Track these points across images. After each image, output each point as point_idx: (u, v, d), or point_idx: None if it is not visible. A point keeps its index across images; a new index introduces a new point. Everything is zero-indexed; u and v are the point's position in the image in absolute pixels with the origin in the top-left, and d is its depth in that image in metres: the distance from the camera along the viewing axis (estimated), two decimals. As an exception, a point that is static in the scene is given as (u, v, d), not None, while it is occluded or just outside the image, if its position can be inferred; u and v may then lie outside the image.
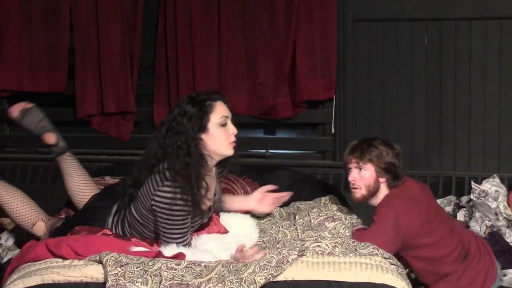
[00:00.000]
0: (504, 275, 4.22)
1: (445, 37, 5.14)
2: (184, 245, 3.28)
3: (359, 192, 3.58)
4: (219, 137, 3.25)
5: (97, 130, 5.51)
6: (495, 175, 5.01)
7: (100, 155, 5.58)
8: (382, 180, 3.57)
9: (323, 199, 4.04)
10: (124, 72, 5.40)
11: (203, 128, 3.23)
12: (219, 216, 3.60)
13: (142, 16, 5.40)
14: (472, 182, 4.99)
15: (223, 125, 3.26)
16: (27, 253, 3.27)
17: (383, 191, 3.60)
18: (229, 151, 3.29)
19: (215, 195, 3.48)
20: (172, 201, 3.22)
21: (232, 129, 3.27)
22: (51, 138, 3.85)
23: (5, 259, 4.59)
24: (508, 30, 5.05)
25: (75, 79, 5.46)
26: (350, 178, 3.59)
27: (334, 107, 5.29)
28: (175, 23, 5.30)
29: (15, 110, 3.88)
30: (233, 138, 3.28)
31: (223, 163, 3.43)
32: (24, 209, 3.69)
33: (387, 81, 5.24)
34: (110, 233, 3.42)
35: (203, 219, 3.43)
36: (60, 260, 3.15)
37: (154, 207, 3.24)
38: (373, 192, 3.58)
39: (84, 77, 5.42)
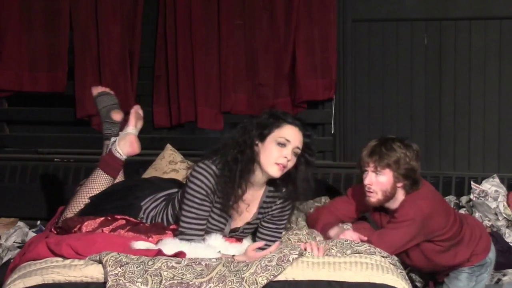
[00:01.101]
0: (504, 275, 4.23)
1: (445, 37, 5.14)
2: (196, 235, 3.28)
3: (375, 196, 3.48)
4: (270, 152, 3.24)
5: (97, 130, 5.50)
6: (495, 175, 5.01)
7: (100, 155, 5.57)
8: (399, 185, 3.48)
9: (323, 199, 4.07)
10: (124, 72, 5.41)
11: (262, 137, 3.26)
12: (242, 240, 3.53)
13: (142, 16, 5.41)
14: (472, 182, 5.00)
15: (281, 145, 3.25)
16: (28, 251, 3.27)
17: (400, 195, 3.50)
18: (273, 170, 3.25)
19: (249, 220, 3.44)
20: (195, 179, 3.26)
21: (286, 153, 3.24)
22: (118, 115, 3.92)
23: (4, 259, 4.60)
24: (508, 30, 5.05)
25: (75, 79, 5.47)
26: (366, 182, 3.48)
27: (334, 107, 5.30)
28: (175, 23, 5.31)
29: (96, 90, 4.01)
30: (281, 161, 3.24)
31: (277, 198, 3.41)
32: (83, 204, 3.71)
33: (387, 81, 5.25)
34: (124, 222, 3.40)
35: (224, 229, 3.41)
36: (60, 259, 3.15)
37: (187, 180, 3.30)
38: (389, 197, 3.48)
39: (84, 77, 5.43)
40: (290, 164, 3.27)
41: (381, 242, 3.37)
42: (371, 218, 3.70)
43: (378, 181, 3.45)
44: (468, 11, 5.07)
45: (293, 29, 5.18)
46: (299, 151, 3.29)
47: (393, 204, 3.52)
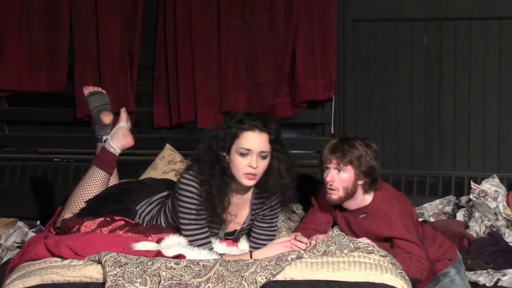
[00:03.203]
0: (504, 275, 4.22)
1: (445, 37, 5.14)
2: (204, 244, 3.29)
3: (337, 193, 3.50)
4: (235, 164, 3.25)
5: (96, 130, 5.51)
6: (495, 175, 5.01)
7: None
8: (360, 182, 3.51)
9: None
10: (124, 72, 5.41)
11: (226, 149, 3.27)
12: (238, 241, 3.58)
13: (142, 16, 5.41)
14: (472, 182, 5.00)
15: (243, 155, 3.24)
16: (27, 251, 3.27)
17: (360, 194, 3.55)
18: (243, 180, 3.27)
19: (244, 223, 3.47)
20: (185, 192, 3.27)
21: (250, 162, 3.23)
22: (108, 118, 3.93)
23: (4, 259, 4.60)
24: (508, 30, 5.05)
25: (75, 79, 5.47)
26: (328, 179, 3.50)
27: (333, 107, 5.30)
28: (175, 23, 5.31)
29: (87, 90, 4.02)
30: (248, 170, 3.24)
31: (264, 198, 3.43)
32: (82, 203, 3.72)
33: (386, 81, 5.24)
34: (123, 223, 3.41)
35: (218, 233, 3.44)
36: (59, 260, 3.15)
37: (176, 194, 3.32)
38: (350, 194, 3.52)
39: (83, 77, 5.43)
40: (261, 169, 3.27)
41: (410, 254, 3.43)
42: (336, 221, 3.71)
43: (340, 178, 3.48)
44: (468, 11, 5.06)
45: (293, 29, 5.17)
46: (267, 153, 3.27)
47: (352, 203, 3.56)
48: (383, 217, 3.51)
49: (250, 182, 3.27)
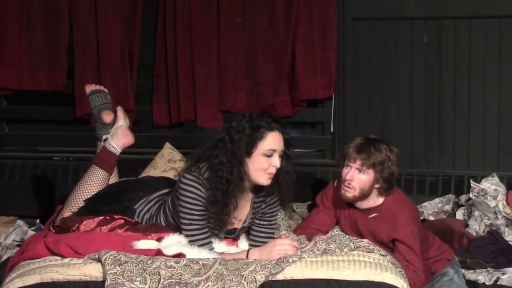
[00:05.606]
0: (504, 273, 4.23)
1: (445, 35, 5.14)
2: (205, 244, 3.29)
3: (352, 192, 3.51)
4: (259, 165, 3.26)
5: (96, 129, 5.51)
6: (494, 174, 5.01)
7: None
8: (376, 186, 3.52)
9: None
10: (124, 71, 5.41)
11: (249, 153, 3.26)
12: (238, 239, 3.58)
13: (142, 14, 5.41)
14: (471, 181, 5.00)
15: (268, 155, 3.26)
16: (27, 250, 3.27)
17: (373, 196, 3.56)
18: (263, 180, 3.29)
19: (245, 222, 3.48)
20: (188, 193, 3.27)
21: (275, 162, 3.26)
22: (108, 117, 3.94)
23: (4, 258, 4.60)
24: (507, 29, 5.05)
25: (75, 78, 5.47)
26: (347, 177, 3.50)
27: (333, 106, 5.30)
28: (175, 22, 5.31)
29: (89, 88, 4.04)
30: (271, 170, 3.27)
31: (264, 197, 3.45)
32: (81, 202, 3.73)
33: (386, 80, 5.24)
34: (123, 221, 3.41)
35: (218, 234, 3.45)
36: (59, 258, 3.15)
37: (177, 193, 3.31)
38: (365, 195, 3.52)
39: (83, 76, 5.42)
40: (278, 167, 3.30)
41: (408, 263, 3.44)
42: (338, 221, 3.71)
43: (359, 178, 3.49)
44: (467, 10, 5.07)
45: (293, 27, 5.17)
46: (283, 152, 3.31)
47: (364, 203, 3.57)
48: (392, 218, 3.52)
49: (269, 181, 3.31)
